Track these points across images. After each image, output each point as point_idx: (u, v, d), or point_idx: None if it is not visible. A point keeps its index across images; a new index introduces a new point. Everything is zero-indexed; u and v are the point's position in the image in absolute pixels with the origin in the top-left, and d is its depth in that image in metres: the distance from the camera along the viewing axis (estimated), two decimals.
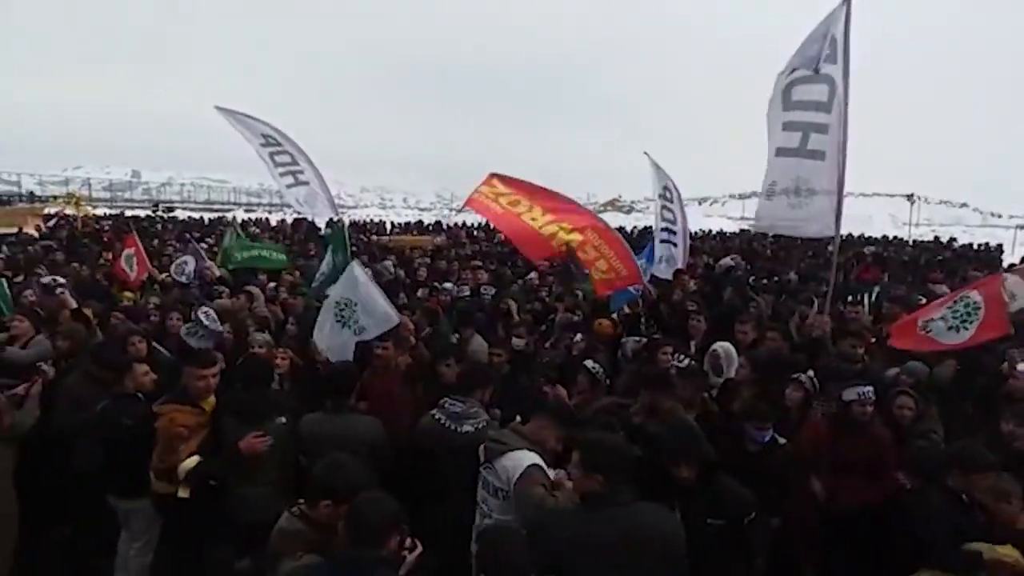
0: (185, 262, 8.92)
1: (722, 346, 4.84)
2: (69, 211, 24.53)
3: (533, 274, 9.84)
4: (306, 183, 6.99)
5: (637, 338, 5.29)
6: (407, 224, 30.71)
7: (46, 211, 22.87)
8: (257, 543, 2.66)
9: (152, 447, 3.50)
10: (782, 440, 3.73)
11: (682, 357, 4.37)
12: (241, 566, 2.82)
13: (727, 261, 11.44)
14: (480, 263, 11.97)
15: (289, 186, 7.01)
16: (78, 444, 3.91)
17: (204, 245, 12.38)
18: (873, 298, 8.90)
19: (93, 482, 3.86)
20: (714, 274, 10.37)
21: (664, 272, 8.24)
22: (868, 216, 34.42)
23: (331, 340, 4.85)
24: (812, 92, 5.20)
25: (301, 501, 2.60)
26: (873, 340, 5.39)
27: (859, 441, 3.79)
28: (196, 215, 32.22)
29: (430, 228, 28.09)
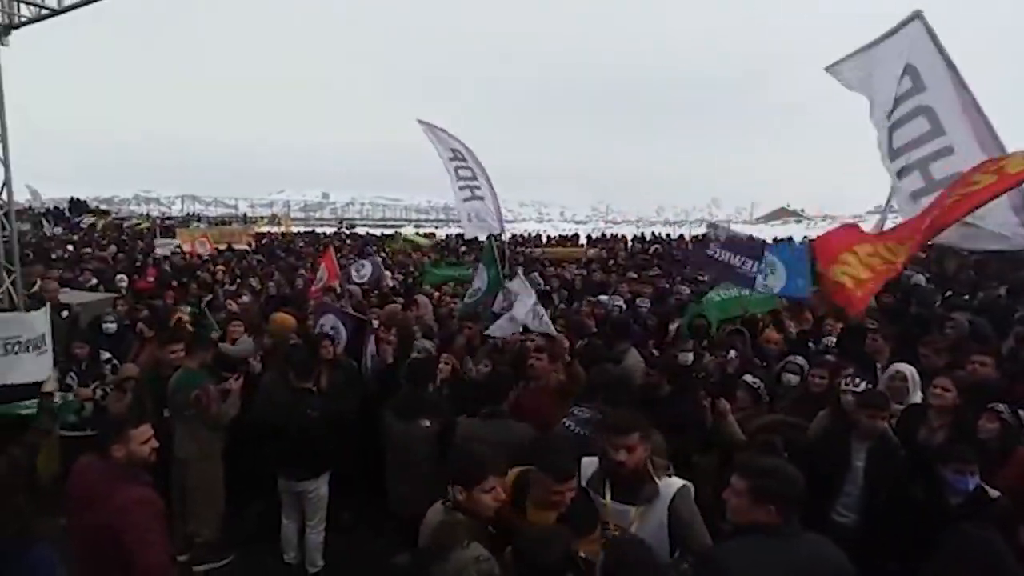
0: (363, 264, 10.23)
1: (908, 368, 4.21)
2: (273, 229, 28.27)
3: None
4: (481, 198, 7.23)
5: (795, 358, 4.81)
6: (562, 237, 31.07)
7: (255, 230, 26.51)
8: (413, 536, 2.76)
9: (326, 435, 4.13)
10: (994, 492, 3.06)
11: (859, 380, 3.86)
12: (400, 561, 2.93)
13: (918, 277, 9.96)
14: (636, 275, 11.68)
15: (465, 199, 7.29)
16: (269, 432, 4.44)
17: (380, 257, 13.93)
18: None
19: (279, 465, 4.40)
20: (901, 286, 9.10)
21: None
22: None
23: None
24: (911, 130, 4.47)
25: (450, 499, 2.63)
26: None
27: None
28: (375, 231, 35.63)
29: (589, 238, 28.17)
